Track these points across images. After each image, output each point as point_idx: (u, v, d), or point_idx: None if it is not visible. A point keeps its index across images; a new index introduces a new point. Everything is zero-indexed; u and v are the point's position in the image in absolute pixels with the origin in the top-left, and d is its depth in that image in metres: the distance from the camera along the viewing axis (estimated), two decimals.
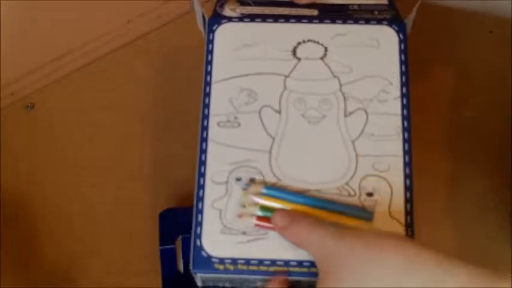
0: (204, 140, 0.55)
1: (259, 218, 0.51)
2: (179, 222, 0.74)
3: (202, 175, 0.53)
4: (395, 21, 0.56)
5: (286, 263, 0.50)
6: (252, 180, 0.52)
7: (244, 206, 0.51)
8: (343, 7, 0.57)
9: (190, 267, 0.51)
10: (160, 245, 0.73)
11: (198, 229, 0.51)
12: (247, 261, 0.50)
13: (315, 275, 0.48)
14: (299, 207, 0.50)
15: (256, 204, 0.51)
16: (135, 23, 0.98)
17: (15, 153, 0.84)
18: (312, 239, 0.47)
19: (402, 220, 0.52)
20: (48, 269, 0.75)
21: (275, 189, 0.51)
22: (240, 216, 0.51)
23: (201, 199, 0.52)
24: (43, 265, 0.75)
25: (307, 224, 0.48)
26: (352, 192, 0.51)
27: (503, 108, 0.86)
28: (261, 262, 0.50)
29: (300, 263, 0.50)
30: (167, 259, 0.73)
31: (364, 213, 0.51)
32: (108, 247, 0.77)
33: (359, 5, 0.57)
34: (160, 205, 0.78)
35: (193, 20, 1.01)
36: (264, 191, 0.51)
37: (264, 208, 0.51)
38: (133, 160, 0.85)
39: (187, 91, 0.93)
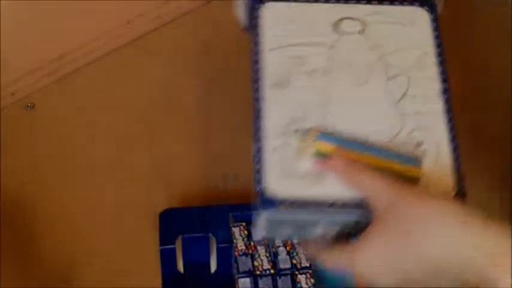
0: (258, 99, 0.59)
1: (315, 161, 0.55)
2: (179, 222, 0.74)
3: (259, 129, 0.57)
4: (426, 2, 0.62)
5: (345, 202, 0.55)
6: (308, 130, 0.57)
7: (301, 152, 0.56)
8: None
9: (256, 210, 0.55)
10: (161, 245, 0.73)
11: (260, 175, 0.55)
12: (308, 202, 0.54)
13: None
14: (352, 153, 0.55)
15: (312, 149, 0.56)
16: (135, 23, 0.98)
17: (15, 153, 0.84)
18: (371, 186, 0.53)
19: (450, 166, 0.58)
20: (48, 269, 0.75)
21: (330, 135, 0.56)
22: (298, 161, 0.56)
23: (260, 149, 0.56)
24: (43, 265, 0.75)
25: (366, 171, 0.54)
26: (400, 144, 0.57)
27: (503, 108, 0.86)
28: (321, 203, 0.54)
29: (359, 202, 0.54)
30: (167, 259, 0.73)
31: (414, 160, 0.56)
32: (108, 247, 0.77)
33: None
34: (160, 205, 0.78)
35: (193, 20, 1.01)
36: (320, 137, 0.56)
37: (319, 153, 0.55)
38: (133, 160, 0.85)
39: (187, 91, 0.93)
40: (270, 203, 0.55)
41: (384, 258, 0.53)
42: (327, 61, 0.60)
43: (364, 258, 0.54)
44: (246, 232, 0.74)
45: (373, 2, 0.62)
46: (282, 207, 0.54)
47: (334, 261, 0.57)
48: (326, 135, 0.56)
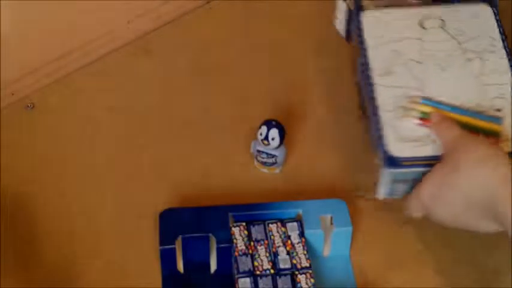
0: (371, 84, 0.73)
1: (420, 119, 0.71)
2: (179, 222, 0.74)
3: (375, 107, 0.72)
4: None
5: None
6: (414, 96, 0.72)
7: (409, 113, 0.71)
8: None
9: (382, 167, 0.70)
10: (160, 245, 0.73)
11: (381, 140, 0.70)
12: (423, 158, 0.69)
13: None
14: (447, 113, 0.70)
15: (417, 110, 0.71)
16: (135, 23, 0.98)
17: (15, 153, 0.84)
18: (447, 132, 0.68)
19: None
20: (48, 269, 0.75)
21: (430, 100, 0.72)
22: (407, 119, 0.71)
23: (378, 121, 0.71)
24: (43, 265, 0.75)
25: (450, 121, 0.69)
26: (485, 109, 0.71)
27: None
28: (433, 158, 0.68)
29: None
30: (167, 259, 0.73)
31: (495, 119, 0.71)
32: (108, 247, 0.77)
33: None
34: (160, 205, 0.78)
35: (193, 20, 1.01)
36: (422, 101, 0.71)
37: (422, 113, 0.71)
38: (133, 160, 0.85)
39: (187, 91, 0.93)
40: (392, 162, 0.69)
41: (438, 189, 0.66)
42: (419, 52, 0.75)
43: (425, 187, 0.67)
44: (246, 232, 0.74)
45: (446, 3, 0.79)
46: (404, 163, 0.69)
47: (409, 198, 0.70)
48: (427, 99, 0.71)
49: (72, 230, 0.78)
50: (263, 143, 0.80)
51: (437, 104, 0.71)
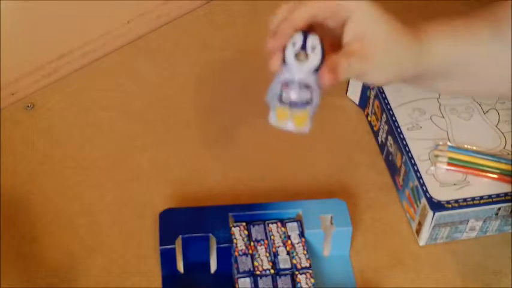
0: (403, 138, 0.80)
1: (448, 164, 0.78)
2: (179, 222, 0.74)
3: (411, 158, 0.79)
4: None
5: (490, 196, 0.76)
6: (442, 145, 0.80)
7: (438, 159, 0.78)
8: None
9: (430, 210, 0.74)
10: (161, 245, 0.73)
11: (423, 188, 0.76)
12: (463, 200, 0.75)
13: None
14: (471, 158, 0.79)
15: (445, 157, 0.78)
16: (135, 23, 0.98)
17: (15, 153, 0.84)
18: None
19: None
20: (48, 269, 0.75)
21: (456, 147, 0.79)
22: (437, 165, 0.78)
23: (417, 171, 0.77)
24: (43, 265, 0.75)
25: None
26: (506, 154, 0.79)
27: None
28: (472, 199, 0.75)
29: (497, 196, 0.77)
30: (167, 259, 0.73)
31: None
32: (108, 247, 0.77)
33: None
34: (160, 205, 0.78)
35: (193, 20, 1.01)
36: (450, 148, 0.79)
37: (451, 159, 0.78)
38: (133, 160, 0.85)
39: (187, 91, 0.93)
40: (438, 205, 0.74)
41: None
42: (439, 108, 0.84)
43: None
44: (246, 232, 0.74)
45: None
46: (447, 206, 0.74)
47: None
48: (454, 147, 0.79)
49: (72, 230, 0.78)
50: (298, 58, 0.55)
51: (461, 150, 0.79)
